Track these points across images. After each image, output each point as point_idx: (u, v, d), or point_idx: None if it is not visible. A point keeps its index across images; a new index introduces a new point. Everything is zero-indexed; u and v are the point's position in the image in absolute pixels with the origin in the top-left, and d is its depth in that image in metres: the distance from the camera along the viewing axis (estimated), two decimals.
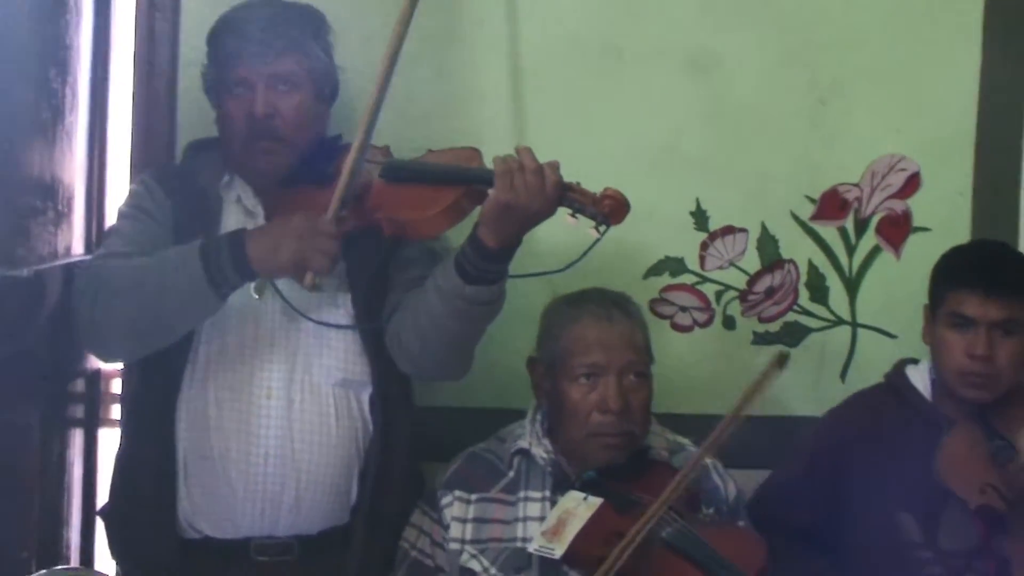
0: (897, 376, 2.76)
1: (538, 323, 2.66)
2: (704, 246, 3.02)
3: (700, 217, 3.01)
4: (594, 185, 2.38)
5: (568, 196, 2.35)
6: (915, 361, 2.78)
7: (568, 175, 2.37)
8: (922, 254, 2.88)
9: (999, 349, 2.59)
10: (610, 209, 2.34)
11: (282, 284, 2.46)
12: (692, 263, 3.02)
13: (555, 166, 2.34)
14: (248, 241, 2.38)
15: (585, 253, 2.41)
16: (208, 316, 2.43)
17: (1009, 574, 2.48)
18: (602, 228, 2.35)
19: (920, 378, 2.73)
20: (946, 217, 3.04)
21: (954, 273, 2.69)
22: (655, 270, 3.01)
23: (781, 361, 2.34)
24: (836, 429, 2.77)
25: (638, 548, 2.29)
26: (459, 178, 2.43)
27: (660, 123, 2.99)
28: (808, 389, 3.01)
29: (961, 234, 2.99)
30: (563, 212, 2.36)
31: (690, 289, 3.03)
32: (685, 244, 3.02)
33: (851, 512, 2.69)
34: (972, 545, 2.55)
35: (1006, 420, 2.65)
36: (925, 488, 2.61)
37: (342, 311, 2.54)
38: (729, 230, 3.02)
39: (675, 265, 3.02)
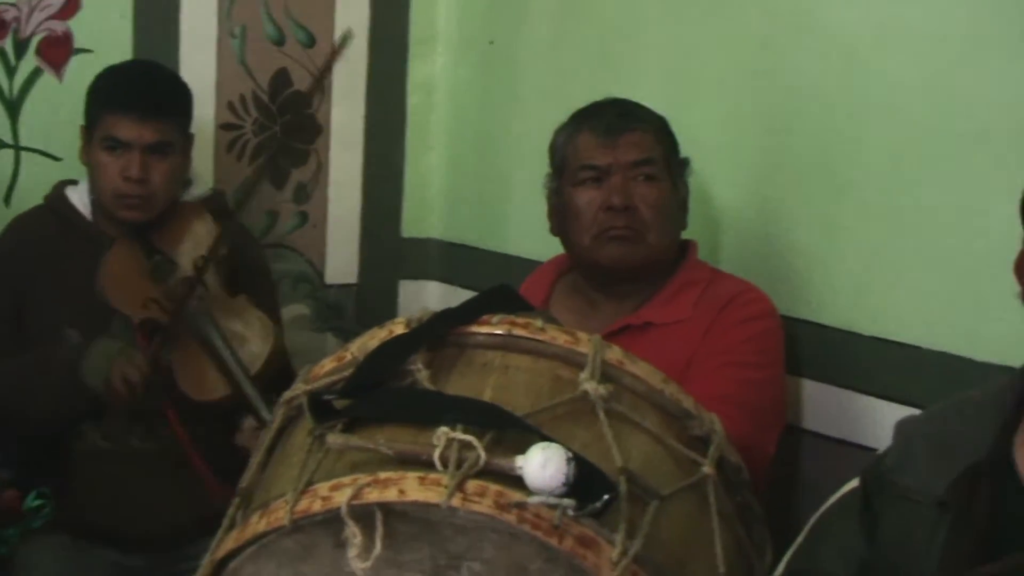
0: (57, 198, 3.10)
1: None
2: None
3: None
4: None
5: None
6: (75, 182, 3.15)
7: None
8: (84, 76, 3.17)
9: (153, 171, 2.97)
10: None
11: None
12: None
13: None
14: None
15: None
16: None
17: (174, 381, 2.90)
18: None
19: (79, 198, 3.09)
20: (107, 39, 3.39)
21: (108, 96, 3.02)
22: None
23: None
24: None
25: None
26: None
27: None
28: None
29: (123, 56, 3.34)
30: None
31: None
32: None
33: (30, 331, 3.00)
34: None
35: (165, 236, 3.06)
36: (91, 304, 2.95)
37: None
38: None
39: None
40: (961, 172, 2.48)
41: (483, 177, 3.66)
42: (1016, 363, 1.96)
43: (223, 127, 3.58)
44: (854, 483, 1.92)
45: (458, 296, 3.22)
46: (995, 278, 1.93)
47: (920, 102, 2.55)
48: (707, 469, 1.89)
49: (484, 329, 1.94)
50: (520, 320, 1.94)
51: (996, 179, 2.02)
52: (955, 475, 1.78)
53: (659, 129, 2.72)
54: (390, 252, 3.81)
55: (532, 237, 3.19)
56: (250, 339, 2.96)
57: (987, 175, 2.40)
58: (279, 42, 3.62)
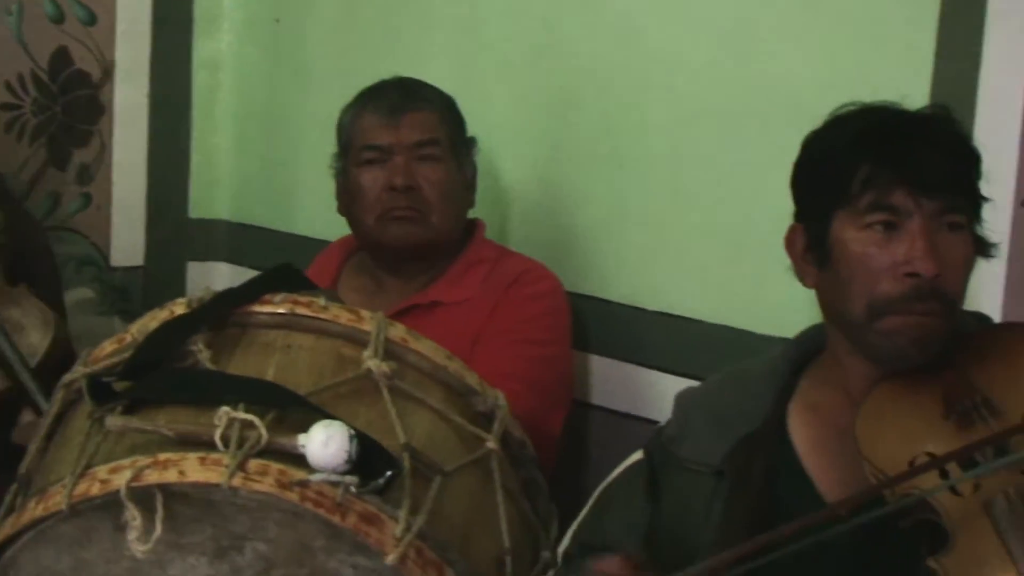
0: None
1: None
2: None
3: None
4: None
5: None
6: None
7: None
8: None
9: None
10: None
11: None
12: None
13: None
14: None
15: None
16: None
17: None
18: None
19: None
20: None
21: None
22: None
23: None
24: None
25: None
26: None
27: None
28: None
29: None
30: None
31: None
32: None
33: None
34: None
35: None
36: None
37: None
38: None
39: None
40: (740, 149, 2.56)
41: (271, 157, 3.64)
42: (793, 334, 2.03)
43: (0, 107, 3.48)
44: (637, 455, 1.97)
45: (247, 277, 3.19)
46: (772, 253, 1.99)
47: (701, 81, 2.62)
48: (491, 444, 1.91)
49: (266, 308, 1.92)
50: (303, 299, 1.93)
51: (773, 156, 2.08)
52: (732, 444, 1.84)
53: (444, 109, 2.73)
54: (177, 234, 3.75)
55: (322, 217, 3.18)
56: (29, 330, 2.88)
57: (765, 152, 2.47)
58: (58, 19, 3.53)
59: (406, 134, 2.66)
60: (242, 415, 1.72)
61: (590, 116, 2.82)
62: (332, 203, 2.81)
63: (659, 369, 2.66)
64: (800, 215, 1.88)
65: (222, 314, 1.92)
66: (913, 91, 2.13)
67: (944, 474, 1.64)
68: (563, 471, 2.58)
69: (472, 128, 2.78)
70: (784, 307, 2.35)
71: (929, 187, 1.74)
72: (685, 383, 2.35)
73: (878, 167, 1.75)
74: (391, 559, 1.69)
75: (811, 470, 1.82)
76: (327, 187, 2.84)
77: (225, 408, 1.73)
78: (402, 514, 1.71)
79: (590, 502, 2.00)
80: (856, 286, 1.76)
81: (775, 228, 1.97)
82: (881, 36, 2.39)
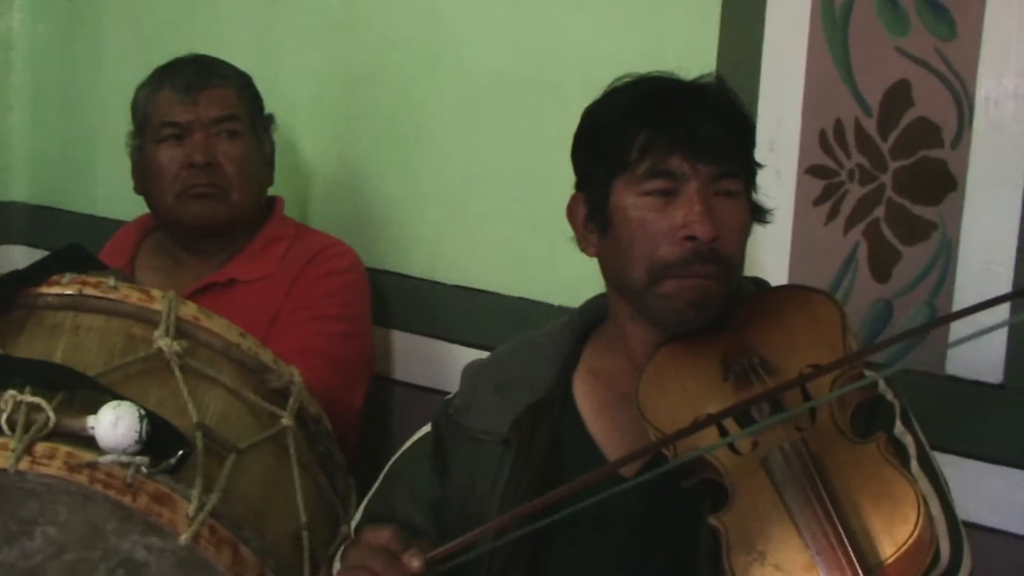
0: None
1: None
2: None
3: None
4: None
5: None
6: None
7: None
8: None
9: None
10: None
11: None
12: None
13: None
14: None
15: None
16: None
17: None
18: None
19: None
20: None
21: None
22: None
23: None
24: None
25: None
26: None
27: None
28: None
29: None
30: None
31: None
32: None
33: None
34: None
35: None
36: None
37: None
38: None
39: None
40: (533, 123, 2.60)
41: (68, 137, 3.57)
42: None
43: None
44: (426, 428, 1.99)
45: None
46: (567, 224, 2.02)
47: (494, 55, 2.66)
48: (286, 421, 1.92)
49: (54, 290, 1.91)
50: (91, 279, 1.92)
51: (566, 129, 2.13)
52: (517, 413, 1.87)
53: (241, 85, 2.72)
54: None
55: (123, 197, 3.13)
56: None
57: (557, 125, 2.47)
58: None
59: (205, 110, 2.65)
60: (28, 398, 1.71)
61: (387, 92, 2.83)
62: (132, 182, 2.78)
63: (458, 342, 2.69)
64: (581, 184, 1.92)
65: (7, 296, 1.90)
66: (700, 63, 2.17)
67: (723, 432, 1.69)
68: (366, 446, 2.60)
69: (270, 104, 2.78)
70: (580, 278, 2.38)
71: (705, 153, 1.79)
72: (485, 356, 2.39)
73: (655, 134, 1.79)
74: (184, 539, 1.69)
75: (597, 436, 1.86)
76: (127, 166, 2.81)
77: (11, 391, 1.72)
78: (195, 493, 1.72)
79: (381, 475, 2.01)
80: (636, 251, 1.80)
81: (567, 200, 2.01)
82: (669, 10, 2.45)
